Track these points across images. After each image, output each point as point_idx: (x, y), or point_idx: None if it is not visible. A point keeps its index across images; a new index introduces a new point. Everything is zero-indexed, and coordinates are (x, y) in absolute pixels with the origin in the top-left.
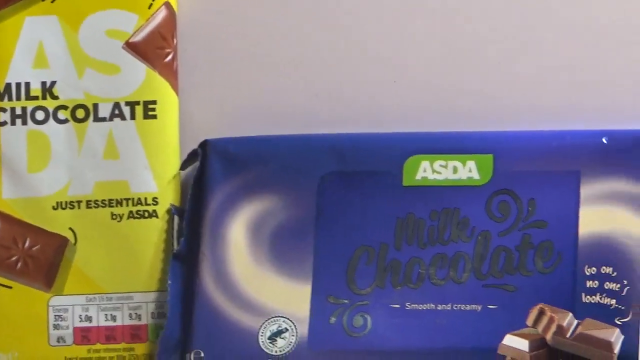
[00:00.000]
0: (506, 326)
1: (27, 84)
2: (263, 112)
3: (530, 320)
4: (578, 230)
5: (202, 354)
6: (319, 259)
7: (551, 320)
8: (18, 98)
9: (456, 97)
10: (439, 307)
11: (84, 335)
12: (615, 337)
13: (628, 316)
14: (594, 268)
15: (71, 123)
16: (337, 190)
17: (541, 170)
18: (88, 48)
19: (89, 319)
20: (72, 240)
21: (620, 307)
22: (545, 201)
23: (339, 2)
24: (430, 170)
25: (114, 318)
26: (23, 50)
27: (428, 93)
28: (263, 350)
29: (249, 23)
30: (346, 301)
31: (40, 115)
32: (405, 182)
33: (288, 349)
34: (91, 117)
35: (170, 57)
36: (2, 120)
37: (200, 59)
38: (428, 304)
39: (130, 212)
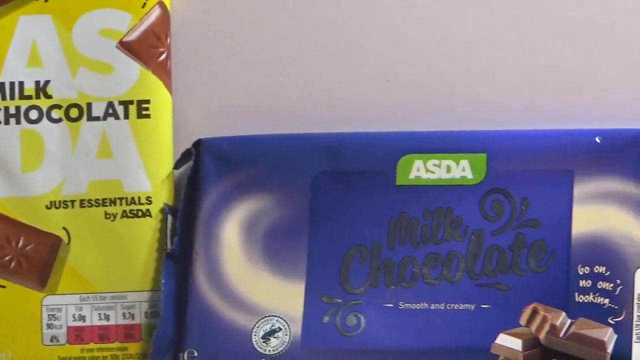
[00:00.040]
0: (499, 325)
1: (21, 83)
2: (257, 111)
3: (523, 320)
4: (571, 230)
5: (196, 354)
6: (312, 259)
7: (544, 319)
8: (12, 97)
9: (449, 97)
10: (433, 307)
11: (77, 335)
12: (609, 337)
13: (621, 315)
14: (587, 267)
15: (65, 122)
16: (330, 190)
17: (535, 169)
18: (82, 47)
19: (82, 318)
20: (65, 239)
21: (613, 306)
22: (539, 200)
23: (332, 2)
24: (423, 170)
25: (107, 317)
26: (17, 50)
27: (421, 92)
28: (256, 350)
29: (243, 23)
30: (339, 300)
31: (33, 114)
32: (399, 182)
33: (281, 348)
34: (85, 117)
35: (163, 56)
36: None
37: (193, 59)
38: (421, 304)
39: (124, 211)
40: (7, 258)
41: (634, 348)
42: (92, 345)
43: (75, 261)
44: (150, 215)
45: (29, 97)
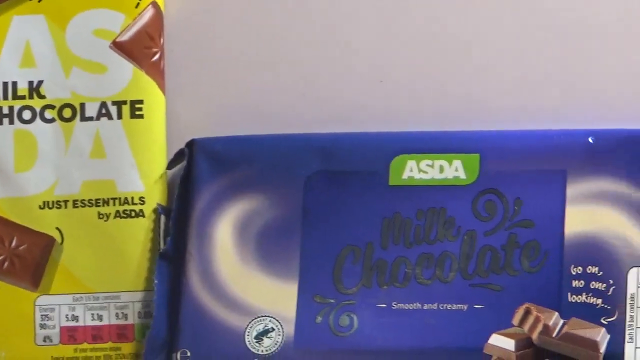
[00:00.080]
0: (492, 326)
1: (14, 84)
2: (250, 111)
3: (516, 320)
4: (564, 230)
5: (189, 354)
6: (305, 259)
7: (537, 319)
8: (5, 97)
9: (442, 97)
10: (425, 307)
11: (70, 335)
12: (601, 337)
13: (614, 316)
14: (580, 267)
15: (58, 122)
16: (323, 190)
17: (527, 169)
18: (75, 47)
19: (75, 318)
20: (58, 239)
21: (606, 306)
22: (532, 201)
23: (325, 2)
24: (416, 170)
25: (100, 317)
26: (10, 50)
27: (414, 93)
28: (249, 350)
29: (236, 23)
30: (332, 301)
31: (27, 114)
32: (392, 182)
33: (274, 348)
34: (78, 117)
35: (157, 56)
36: None
37: (187, 59)
38: (414, 304)
39: (117, 211)
40: (0, 258)
41: (627, 348)
42: (85, 346)
43: (68, 261)
44: (143, 216)
45: (22, 97)
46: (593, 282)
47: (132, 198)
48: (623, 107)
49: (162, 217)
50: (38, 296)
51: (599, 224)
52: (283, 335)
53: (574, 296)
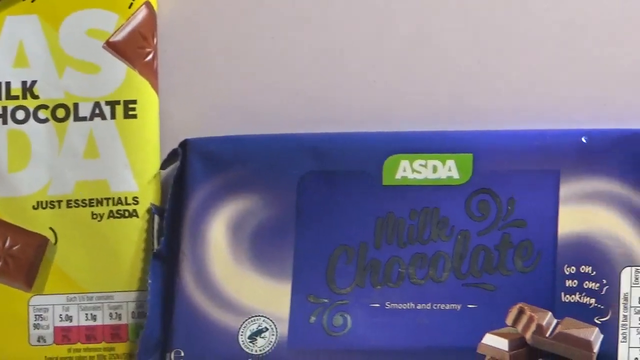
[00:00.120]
0: (486, 325)
1: (8, 84)
2: (243, 111)
3: (509, 320)
4: (557, 230)
5: (182, 354)
6: (299, 259)
7: (531, 319)
8: None
9: (436, 97)
10: (419, 307)
11: (64, 335)
12: (595, 336)
13: (607, 315)
14: (573, 267)
15: (51, 122)
16: (317, 190)
17: (521, 169)
18: (68, 47)
19: (69, 318)
20: (52, 239)
21: (599, 306)
22: (525, 200)
23: (319, 3)
24: (409, 170)
25: (94, 317)
26: (3, 50)
27: (407, 93)
28: (243, 350)
29: (229, 23)
30: (326, 300)
31: (20, 114)
32: (385, 182)
33: (268, 348)
34: (71, 117)
35: (150, 56)
36: None
37: (180, 59)
38: (408, 304)
39: (111, 211)
40: None
41: (620, 348)
42: (79, 346)
43: (62, 261)
44: (137, 216)
45: (16, 98)
46: (586, 282)
47: (126, 198)
48: (616, 107)
49: (156, 217)
50: (32, 296)
51: (592, 223)
52: (277, 335)
53: (568, 296)
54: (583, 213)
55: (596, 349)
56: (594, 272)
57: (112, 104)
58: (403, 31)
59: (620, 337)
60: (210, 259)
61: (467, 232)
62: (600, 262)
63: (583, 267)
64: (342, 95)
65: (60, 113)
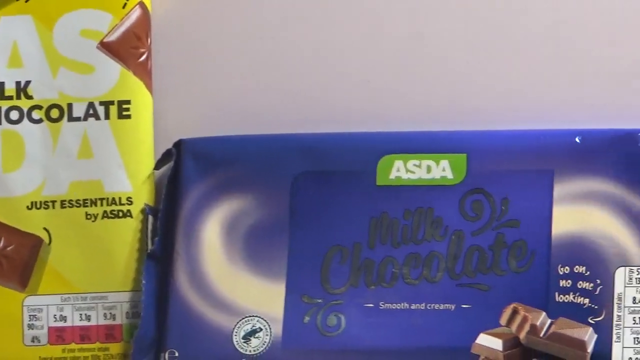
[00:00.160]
0: (480, 325)
1: (2, 84)
2: (237, 112)
3: (503, 320)
4: (551, 230)
5: (177, 354)
6: (293, 259)
7: (525, 319)
8: None
9: (430, 97)
10: (413, 307)
11: (58, 335)
12: (589, 336)
13: (601, 315)
14: (567, 267)
15: (45, 123)
16: (310, 190)
17: (515, 169)
18: (62, 48)
19: (63, 318)
20: (46, 240)
21: (593, 306)
22: (519, 200)
23: (313, 3)
24: (403, 170)
25: (88, 318)
26: None
27: (401, 93)
28: (237, 350)
29: (223, 23)
30: (320, 300)
31: (14, 115)
32: (379, 182)
33: (262, 348)
34: (65, 117)
35: (144, 56)
36: None
37: (174, 59)
38: (402, 304)
39: (105, 211)
40: None
41: (614, 348)
42: (73, 346)
43: (56, 262)
44: (131, 216)
45: (10, 98)
46: (580, 282)
47: (120, 198)
48: (610, 107)
49: (150, 218)
50: (26, 296)
51: (586, 223)
52: (271, 335)
53: (562, 296)
54: (577, 213)
55: (590, 349)
56: (588, 272)
57: (106, 104)
58: (397, 32)
59: (614, 337)
60: (204, 259)
61: (461, 232)
62: (594, 262)
63: (577, 267)
64: (336, 96)
65: (54, 113)
